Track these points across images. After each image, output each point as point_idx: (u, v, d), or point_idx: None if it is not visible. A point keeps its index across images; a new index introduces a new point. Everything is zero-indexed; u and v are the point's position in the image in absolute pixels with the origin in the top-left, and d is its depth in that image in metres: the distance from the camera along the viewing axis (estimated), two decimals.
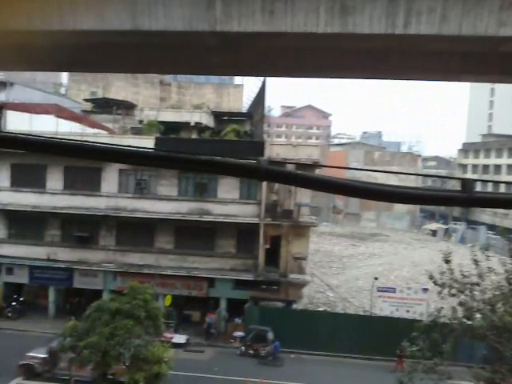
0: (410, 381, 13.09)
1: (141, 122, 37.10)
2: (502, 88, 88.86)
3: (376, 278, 30.46)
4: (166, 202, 27.33)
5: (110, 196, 27.56)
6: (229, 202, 27.09)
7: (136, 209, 27.31)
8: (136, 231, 28.29)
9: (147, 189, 27.65)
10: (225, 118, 41.80)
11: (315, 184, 2.74)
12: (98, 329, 15.78)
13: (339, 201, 76.27)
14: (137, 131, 34.82)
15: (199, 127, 37.77)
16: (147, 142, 26.08)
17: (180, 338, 24.53)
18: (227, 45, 13.50)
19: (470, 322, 13.35)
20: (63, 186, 27.99)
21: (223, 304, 27.29)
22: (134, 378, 15.70)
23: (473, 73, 15.14)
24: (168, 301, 26.30)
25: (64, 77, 62.51)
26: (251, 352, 24.23)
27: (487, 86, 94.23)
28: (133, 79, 47.98)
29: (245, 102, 49.37)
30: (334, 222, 75.48)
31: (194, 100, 48.16)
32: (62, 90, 56.60)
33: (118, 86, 49.05)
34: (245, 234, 27.94)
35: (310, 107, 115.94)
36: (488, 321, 12.70)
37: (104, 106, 41.26)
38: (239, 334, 25.70)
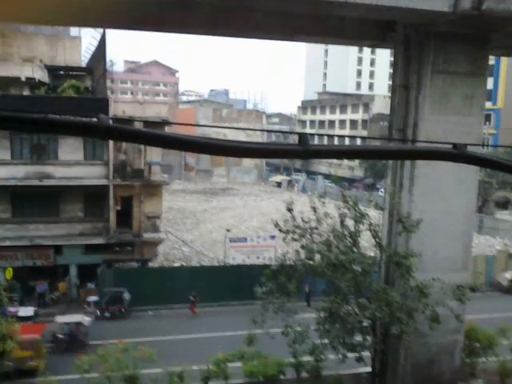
0: (262, 321, 14.19)
1: None
2: (334, 49, 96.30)
3: (228, 230, 31.78)
4: None
5: None
6: (72, 164, 25.38)
7: None
8: None
9: None
10: (61, 72, 38.23)
11: (161, 141, 2.73)
12: None
13: (190, 158, 76.59)
14: None
15: (32, 83, 34.00)
16: None
17: (27, 311, 22.89)
18: None
19: (311, 262, 14.86)
20: None
21: (73, 271, 26.05)
22: None
23: (309, 34, 16.17)
24: (9, 273, 24.17)
25: None
26: (107, 315, 23.80)
27: (322, 46, 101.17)
28: None
29: (83, 56, 45.63)
30: (186, 179, 75.84)
31: (24, 52, 42.92)
32: None
33: None
34: (93, 197, 26.65)
35: (155, 63, 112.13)
36: (326, 260, 14.28)
37: None
38: (93, 298, 24.94)
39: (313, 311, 14.83)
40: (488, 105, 45.93)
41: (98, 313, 23.86)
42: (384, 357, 15.06)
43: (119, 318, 23.67)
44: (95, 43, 35.35)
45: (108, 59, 33.62)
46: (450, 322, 14.03)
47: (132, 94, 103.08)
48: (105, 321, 23.47)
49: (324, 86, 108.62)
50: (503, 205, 54.12)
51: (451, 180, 14.52)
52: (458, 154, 3.15)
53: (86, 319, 20.84)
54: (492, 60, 50.19)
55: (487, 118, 54.18)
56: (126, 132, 2.56)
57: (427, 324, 13.40)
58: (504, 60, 56.00)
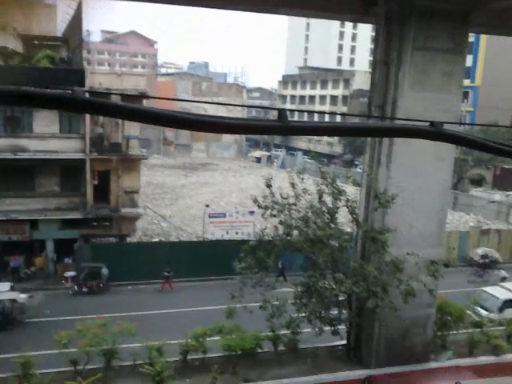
0: (240, 295, 14.31)
1: None
2: (315, 23, 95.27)
3: (207, 206, 31.75)
4: None
5: None
6: (48, 137, 24.83)
7: None
8: None
9: None
10: (36, 42, 36.94)
11: (139, 116, 2.68)
12: None
13: (170, 132, 75.69)
14: None
15: (5, 52, 32.85)
16: None
17: (2, 286, 22.65)
18: None
19: (289, 238, 14.97)
20: None
21: (50, 246, 25.79)
22: None
23: (291, 6, 15.89)
24: None
25: None
26: (85, 290, 23.74)
27: (303, 20, 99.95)
28: None
29: (59, 25, 44.12)
30: (165, 153, 75.13)
31: None
32: None
33: None
34: (70, 171, 26.23)
35: (133, 33, 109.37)
36: (304, 235, 14.40)
37: None
38: (70, 273, 24.83)
39: (290, 286, 15.01)
40: (466, 82, 46.36)
41: (76, 288, 23.80)
42: (359, 330, 15.43)
43: (97, 293, 23.66)
44: (71, 12, 34.21)
45: (84, 29, 32.66)
46: (423, 297, 14.39)
47: (109, 65, 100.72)
48: (83, 296, 23.46)
49: (305, 60, 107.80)
50: (478, 182, 55.27)
51: (428, 157, 14.66)
52: (434, 132, 3.16)
53: (20, 296, 20.22)
54: (472, 37, 50.44)
55: (465, 95, 54.69)
56: (101, 106, 2.49)
57: (401, 298, 13.72)
58: (483, 38, 56.30)
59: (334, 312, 14.81)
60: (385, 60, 14.85)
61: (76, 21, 31.53)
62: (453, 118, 14.58)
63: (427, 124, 3.19)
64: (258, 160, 76.57)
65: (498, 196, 45.42)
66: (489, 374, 13.55)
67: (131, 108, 2.64)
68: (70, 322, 16.69)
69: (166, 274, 24.46)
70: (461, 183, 53.80)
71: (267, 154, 78.99)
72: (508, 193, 47.00)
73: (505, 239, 32.29)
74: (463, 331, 16.71)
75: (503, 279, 25.31)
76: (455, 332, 16.62)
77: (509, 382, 11.69)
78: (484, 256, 30.29)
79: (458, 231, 32.73)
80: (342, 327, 15.32)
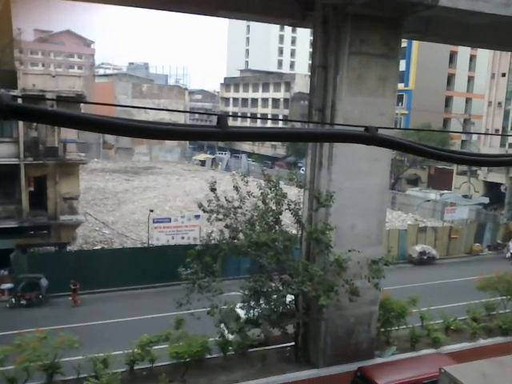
0: (187, 302, 14.12)
1: None
2: (256, 26, 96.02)
3: (151, 211, 31.15)
4: None
5: None
6: None
7: None
8: None
9: None
10: None
11: (73, 122, 2.56)
12: None
13: (109, 135, 73.70)
14: None
15: None
16: None
17: None
18: None
19: (235, 242, 14.96)
20: None
21: None
22: None
23: (230, 9, 15.92)
24: None
25: None
26: (23, 302, 22.61)
27: (244, 23, 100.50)
28: None
29: None
30: (105, 157, 73.11)
31: None
32: None
33: None
34: (3, 177, 24.98)
35: (68, 33, 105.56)
36: (249, 238, 14.45)
37: None
38: (7, 285, 23.59)
39: (238, 289, 15.02)
40: (400, 86, 48.40)
41: (13, 301, 22.61)
42: (306, 330, 15.67)
43: (37, 306, 22.59)
44: None
45: (15, 27, 31.22)
46: (367, 294, 14.84)
47: (43, 65, 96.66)
48: (21, 309, 22.32)
49: (246, 63, 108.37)
50: (414, 182, 57.85)
51: (366, 159, 15.10)
52: (370, 137, 3.25)
53: None
54: (404, 43, 52.75)
55: (400, 98, 57.15)
56: (30, 111, 2.36)
57: (347, 297, 14.08)
58: (415, 43, 59.06)
59: (282, 314, 14.94)
60: (323, 64, 15.17)
61: (5, 18, 29.99)
62: (388, 121, 15.13)
63: (363, 129, 3.26)
64: (203, 163, 76.15)
65: (432, 195, 47.72)
66: (465, 359, 14.30)
67: (63, 114, 2.53)
68: (7, 336, 15.84)
69: (72, 286, 22.98)
70: (398, 183, 56.06)
71: (212, 156, 78.72)
72: (442, 191, 49.52)
73: (440, 236, 33.88)
74: (404, 326, 17.37)
75: None
76: (397, 328, 17.25)
77: (484, 364, 12.43)
78: (422, 253, 31.67)
79: (397, 229, 33.99)
80: (290, 328, 15.48)
